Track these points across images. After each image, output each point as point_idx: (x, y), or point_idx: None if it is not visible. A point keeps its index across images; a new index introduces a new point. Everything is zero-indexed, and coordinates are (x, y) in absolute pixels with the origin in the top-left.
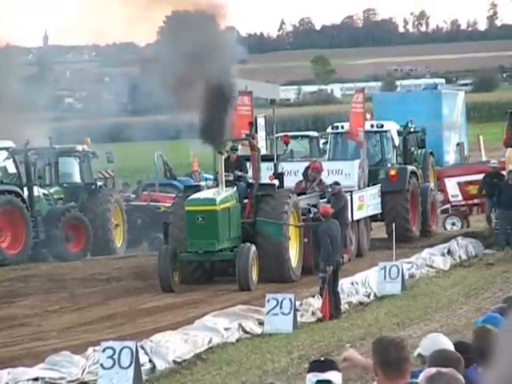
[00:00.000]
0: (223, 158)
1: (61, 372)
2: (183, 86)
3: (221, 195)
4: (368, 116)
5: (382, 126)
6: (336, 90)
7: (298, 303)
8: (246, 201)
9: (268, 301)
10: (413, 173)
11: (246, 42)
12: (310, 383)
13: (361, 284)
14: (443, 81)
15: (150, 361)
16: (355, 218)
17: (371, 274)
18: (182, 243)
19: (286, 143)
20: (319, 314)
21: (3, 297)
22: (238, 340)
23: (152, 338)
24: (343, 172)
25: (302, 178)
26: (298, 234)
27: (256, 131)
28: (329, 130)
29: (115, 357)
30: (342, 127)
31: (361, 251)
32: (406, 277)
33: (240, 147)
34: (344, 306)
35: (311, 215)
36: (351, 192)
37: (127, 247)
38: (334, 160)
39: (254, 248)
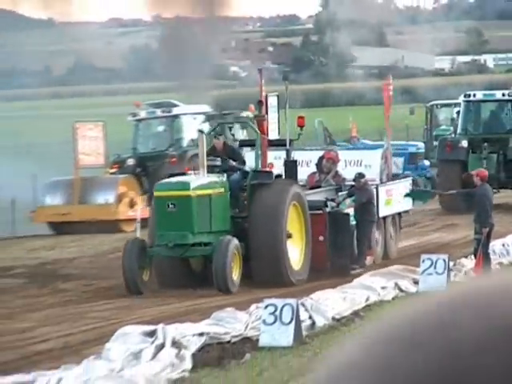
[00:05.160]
0: (203, 136)
1: (225, 327)
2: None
3: (199, 180)
4: None
5: None
6: (489, 60)
7: (451, 264)
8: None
9: (423, 261)
10: None
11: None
12: None
13: None
14: None
15: (310, 317)
16: (381, 215)
17: None
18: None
19: (301, 126)
20: (472, 274)
21: None
22: (393, 298)
23: (312, 296)
24: (362, 163)
25: (315, 169)
26: (305, 229)
27: (267, 112)
28: (460, 98)
29: (277, 313)
30: (475, 95)
31: (388, 253)
32: None
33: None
34: (495, 267)
35: (328, 209)
36: (377, 186)
37: None
38: (355, 149)
39: (235, 242)
